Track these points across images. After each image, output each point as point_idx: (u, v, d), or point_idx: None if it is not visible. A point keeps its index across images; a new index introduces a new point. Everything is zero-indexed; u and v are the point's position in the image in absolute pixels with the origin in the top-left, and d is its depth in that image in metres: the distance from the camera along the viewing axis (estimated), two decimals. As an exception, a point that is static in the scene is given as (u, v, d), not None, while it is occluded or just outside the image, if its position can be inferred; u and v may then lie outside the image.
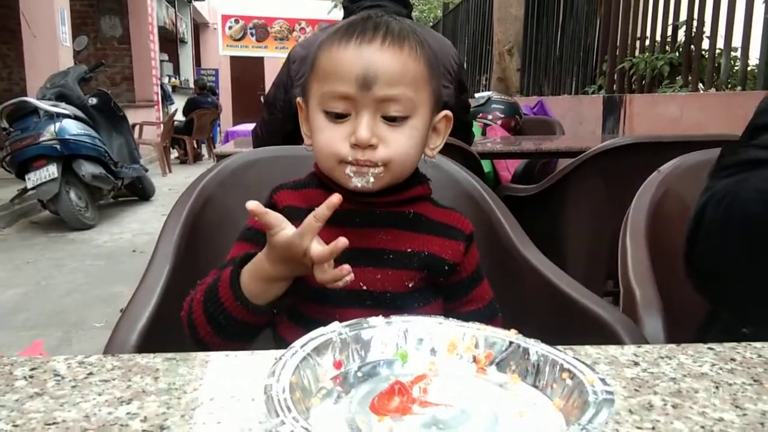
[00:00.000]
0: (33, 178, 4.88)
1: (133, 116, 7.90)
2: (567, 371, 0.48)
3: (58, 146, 4.95)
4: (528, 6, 6.76)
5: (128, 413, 0.46)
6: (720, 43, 3.79)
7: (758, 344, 0.61)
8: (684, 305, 1.00)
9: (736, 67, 3.80)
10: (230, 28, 17.71)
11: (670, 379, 0.53)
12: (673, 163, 1.15)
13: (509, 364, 0.53)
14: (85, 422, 0.45)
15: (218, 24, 18.03)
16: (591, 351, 0.59)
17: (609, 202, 2.03)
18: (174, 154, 10.73)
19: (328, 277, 0.67)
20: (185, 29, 16.61)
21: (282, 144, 1.54)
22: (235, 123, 15.23)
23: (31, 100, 5.26)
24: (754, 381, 0.53)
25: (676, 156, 1.17)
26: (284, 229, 0.67)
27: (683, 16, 4.18)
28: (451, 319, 0.58)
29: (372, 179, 0.75)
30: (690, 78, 4.05)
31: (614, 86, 4.89)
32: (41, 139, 4.93)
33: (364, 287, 0.78)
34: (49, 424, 0.45)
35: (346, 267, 0.67)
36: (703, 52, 4.03)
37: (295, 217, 0.80)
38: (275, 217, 0.68)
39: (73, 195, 5.12)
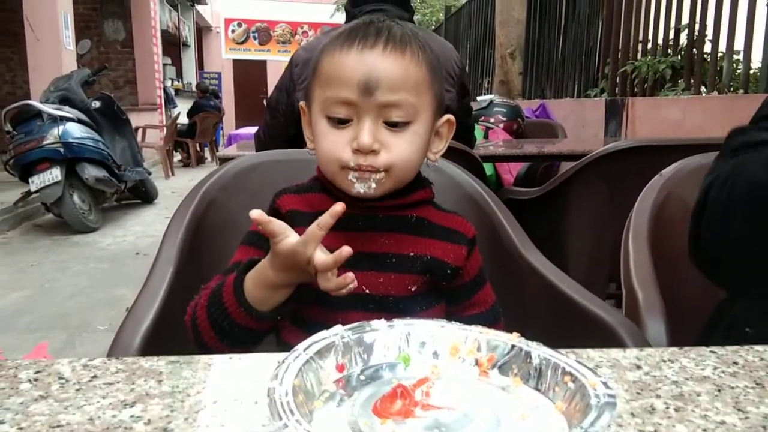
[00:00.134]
0: (37, 181, 4.90)
1: (136, 119, 7.92)
2: (569, 374, 0.49)
3: (61, 149, 4.97)
4: (530, 9, 6.76)
5: (132, 416, 0.46)
6: (722, 46, 3.79)
7: (761, 347, 0.61)
8: (687, 308, 1.01)
9: (738, 71, 3.80)
10: (233, 31, 17.75)
11: (673, 383, 0.53)
12: (675, 167, 1.15)
13: (511, 368, 0.53)
14: (89, 425, 0.45)
15: (221, 27, 18.06)
16: (593, 354, 0.59)
17: (611, 205, 2.03)
18: (177, 157, 10.75)
19: (332, 285, 0.67)
20: (188, 33, 16.65)
21: (284, 147, 1.55)
22: (237, 126, 15.27)
23: (35, 103, 5.28)
24: (757, 384, 0.53)
25: (678, 159, 1.17)
26: (288, 237, 0.68)
27: (685, 20, 4.18)
28: (453, 322, 0.58)
29: (374, 185, 0.75)
30: (692, 81, 4.05)
31: (616, 89, 4.89)
32: (45, 142, 4.95)
33: (367, 291, 0.78)
34: (54, 427, 0.45)
35: (350, 275, 0.67)
36: (706, 56, 4.03)
37: (299, 221, 0.80)
38: (279, 226, 0.68)
39: (76, 198, 5.14)
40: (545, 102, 5.38)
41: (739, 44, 3.64)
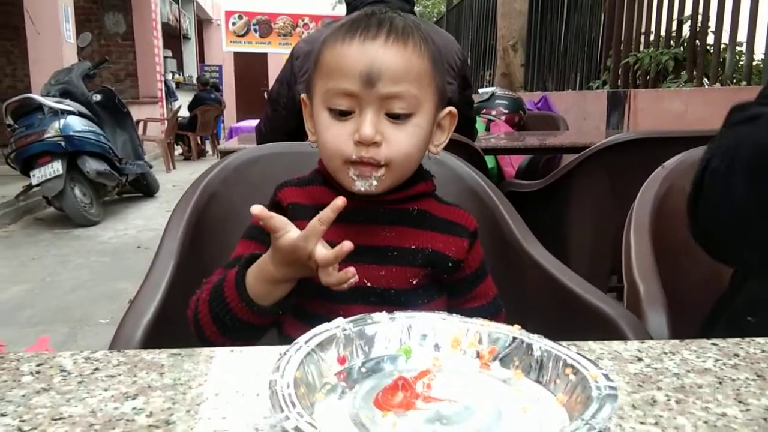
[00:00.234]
0: (38, 175, 4.90)
1: (137, 113, 7.91)
2: (570, 367, 0.49)
3: (62, 143, 4.97)
4: (532, 1, 6.73)
5: (134, 408, 0.47)
6: (725, 38, 3.77)
7: (762, 340, 0.61)
8: (688, 300, 1.01)
9: (741, 62, 3.79)
10: (234, 24, 17.70)
11: (674, 375, 0.53)
12: (677, 159, 1.15)
13: (513, 360, 0.53)
14: (91, 417, 0.45)
15: (222, 20, 18.01)
16: (594, 346, 0.59)
17: (613, 197, 2.03)
18: (178, 150, 10.75)
19: (333, 280, 0.67)
20: (189, 25, 16.61)
21: (286, 140, 1.55)
22: (238, 119, 15.26)
23: (36, 96, 5.27)
24: (758, 376, 0.53)
25: (680, 151, 1.16)
26: (289, 232, 0.67)
27: (688, 11, 4.16)
28: (454, 315, 0.58)
29: (375, 182, 0.75)
30: (695, 73, 4.04)
31: (619, 81, 4.88)
32: (46, 135, 4.94)
33: (369, 284, 0.78)
34: (56, 419, 0.45)
35: (351, 270, 0.67)
36: (708, 47, 4.02)
37: (300, 214, 0.80)
38: (280, 221, 0.68)
39: (77, 191, 5.14)
40: (547, 94, 5.36)
41: (742, 36, 3.62)
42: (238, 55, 19.34)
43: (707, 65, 3.99)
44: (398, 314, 0.57)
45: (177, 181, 7.65)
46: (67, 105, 5.26)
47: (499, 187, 1.18)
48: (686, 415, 0.47)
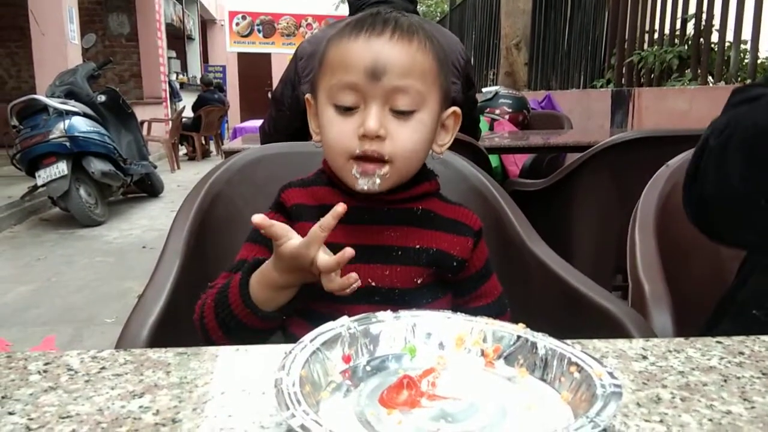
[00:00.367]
0: (43, 176, 4.91)
1: (141, 113, 7.93)
2: (575, 365, 0.49)
3: (67, 143, 4.98)
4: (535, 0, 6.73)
5: (141, 407, 0.47)
6: (729, 36, 3.76)
7: (767, 338, 0.61)
8: (693, 298, 1.00)
9: (745, 60, 3.77)
10: (237, 24, 17.71)
11: (679, 373, 0.53)
12: (681, 157, 1.15)
13: (517, 358, 0.53)
14: (98, 416, 0.46)
15: (225, 20, 18.03)
16: (599, 345, 0.59)
17: (617, 196, 2.02)
18: (182, 150, 10.77)
19: (335, 285, 0.68)
20: (192, 26, 16.64)
21: (290, 140, 1.55)
22: (242, 119, 15.29)
23: (41, 97, 5.28)
24: (763, 374, 0.53)
25: (684, 150, 1.16)
26: (290, 239, 0.68)
27: (692, 9, 4.15)
28: (458, 313, 0.58)
29: (378, 180, 0.75)
30: (699, 71, 4.03)
31: (623, 80, 4.87)
32: (51, 136, 4.96)
33: (373, 284, 0.78)
34: (63, 418, 0.45)
35: (353, 275, 0.67)
36: (713, 45, 4.01)
37: (304, 214, 0.80)
38: (281, 229, 0.68)
39: (82, 192, 5.15)
40: (551, 93, 5.36)
41: (746, 34, 3.61)
42: (241, 56, 19.37)
43: (711, 63, 3.98)
44: (403, 313, 0.57)
45: (181, 181, 7.67)
46: (72, 106, 5.28)
47: (503, 186, 1.18)
48: (691, 413, 0.47)
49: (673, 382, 0.52)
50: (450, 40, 2.00)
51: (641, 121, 4.20)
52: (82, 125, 5.17)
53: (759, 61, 3.64)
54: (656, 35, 4.59)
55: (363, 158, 0.75)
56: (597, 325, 0.84)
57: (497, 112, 3.79)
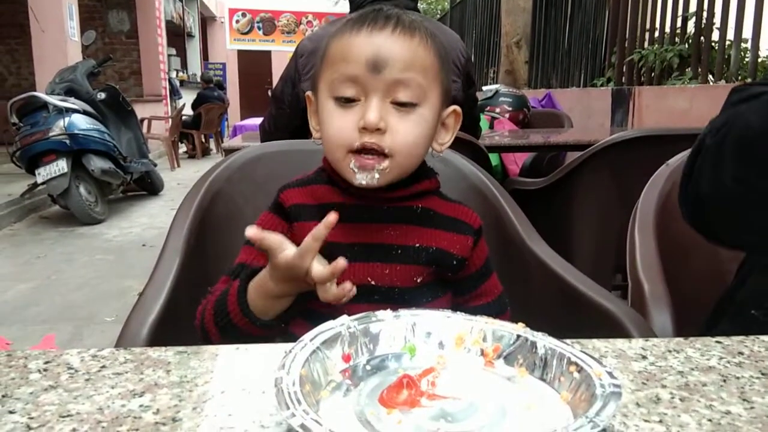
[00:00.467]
0: (43, 173, 4.91)
1: (141, 111, 7.93)
2: (574, 364, 0.49)
3: (67, 141, 4.98)
4: (536, -2, 6.73)
5: (141, 405, 0.47)
6: (730, 35, 3.76)
7: (766, 338, 0.61)
8: (693, 298, 1.00)
9: (746, 59, 3.77)
10: (237, 21, 17.68)
11: (678, 373, 0.53)
12: (681, 156, 1.14)
13: (517, 358, 0.53)
14: (98, 414, 0.46)
15: (225, 18, 17.99)
16: (599, 344, 0.59)
17: (617, 195, 2.02)
18: (182, 148, 10.76)
19: (331, 296, 0.68)
20: (192, 23, 16.62)
21: (290, 138, 1.55)
22: (242, 117, 15.28)
23: (41, 95, 5.28)
24: (762, 374, 0.53)
25: (684, 149, 1.15)
26: (284, 250, 0.68)
27: (693, 7, 4.15)
28: (458, 312, 0.58)
29: (377, 175, 0.75)
30: (699, 70, 4.03)
31: (623, 78, 4.87)
32: (51, 134, 4.95)
33: (372, 282, 0.78)
34: (64, 417, 0.45)
35: (348, 285, 0.68)
36: (713, 44, 4.00)
37: (303, 214, 0.80)
38: (274, 241, 0.69)
39: (82, 190, 5.15)
40: (551, 91, 5.35)
41: (747, 32, 3.61)
42: (241, 53, 19.35)
43: (712, 62, 3.98)
44: (403, 312, 0.57)
45: (181, 179, 7.67)
46: (72, 103, 5.27)
47: (503, 184, 1.18)
48: (690, 413, 0.47)
49: (672, 382, 0.52)
50: (450, 38, 2.00)
51: (641, 119, 4.20)
52: (82, 123, 5.17)
53: (759, 60, 3.65)
54: (657, 34, 4.58)
55: (362, 151, 0.74)
56: (596, 324, 0.84)
57: (497, 110, 3.79)
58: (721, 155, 0.78)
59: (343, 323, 0.54)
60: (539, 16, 6.71)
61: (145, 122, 8.72)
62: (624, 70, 4.86)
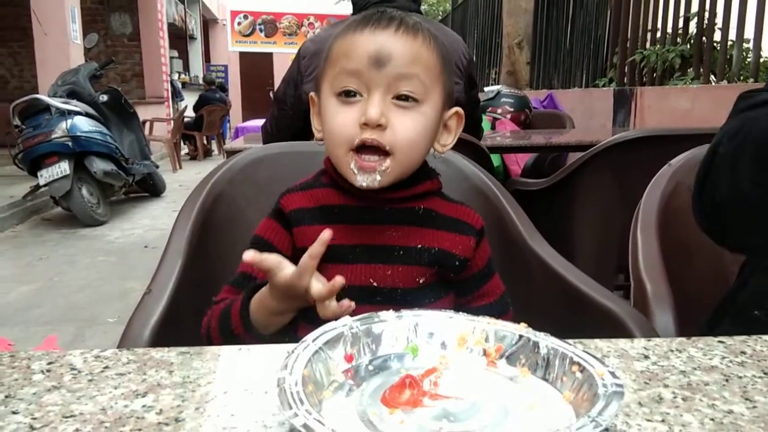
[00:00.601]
0: (45, 175, 4.92)
1: (143, 113, 7.94)
2: (577, 364, 0.49)
3: (69, 143, 4.99)
4: (538, -1, 6.72)
5: (144, 406, 0.47)
6: (732, 35, 3.75)
7: (769, 337, 0.61)
8: (695, 298, 1.00)
9: (748, 59, 3.77)
10: (239, 24, 17.70)
11: (680, 372, 0.53)
12: (684, 157, 1.15)
13: (519, 358, 0.53)
14: (101, 415, 0.46)
15: (227, 20, 18.01)
16: (601, 344, 0.59)
17: (619, 195, 2.02)
18: (184, 150, 10.78)
19: (330, 313, 0.69)
20: (194, 25, 16.65)
21: (292, 140, 1.55)
22: (244, 119, 15.28)
23: (43, 97, 5.29)
24: (765, 374, 0.53)
25: (687, 149, 1.16)
26: (282, 270, 0.69)
27: (695, 8, 4.14)
28: (461, 313, 0.58)
29: (378, 177, 0.75)
30: (701, 70, 4.02)
31: (625, 79, 4.86)
32: (53, 136, 4.97)
33: (375, 284, 0.78)
34: (67, 417, 0.45)
35: (345, 303, 0.69)
36: (715, 44, 4.00)
37: (304, 218, 0.80)
38: (272, 261, 0.70)
39: (84, 191, 5.16)
40: (553, 92, 5.35)
41: (749, 32, 3.60)
42: (243, 55, 19.37)
43: (714, 62, 3.97)
44: (405, 312, 0.57)
45: (183, 180, 7.68)
46: (74, 105, 5.28)
47: (504, 185, 1.18)
48: (693, 413, 0.47)
49: (674, 382, 0.52)
50: (452, 39, 2.00)
51: (643, 120, 4.20)
52: (84, 125, 5.18)
53: (761, 60, 3.64)
54: (658, 34, 4.58)
55: (363, 150, 0.74)
56: (599, 324, 0.84)
57: (499, 111, 3.79)
58: (738, 160, 0.78)
59: (346, 324, 0.54)
60: (541, 17, 6.70)
61: (147, 124, 8.74)
62: (626, 70, 4.85)
